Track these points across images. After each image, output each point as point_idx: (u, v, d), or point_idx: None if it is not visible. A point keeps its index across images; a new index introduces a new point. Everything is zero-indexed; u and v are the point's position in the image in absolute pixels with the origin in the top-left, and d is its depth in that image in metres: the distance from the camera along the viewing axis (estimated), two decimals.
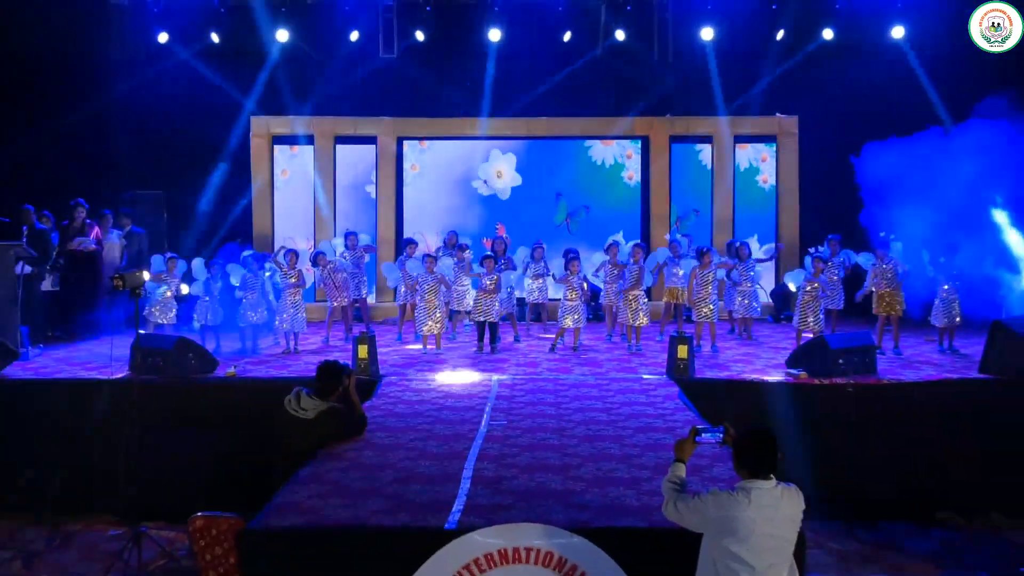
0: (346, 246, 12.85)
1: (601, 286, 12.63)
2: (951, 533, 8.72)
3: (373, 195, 15.47)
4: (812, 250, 12.25)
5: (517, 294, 12.98)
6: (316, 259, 12.28)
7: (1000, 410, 9.02)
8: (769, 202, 15.42)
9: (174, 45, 14.74)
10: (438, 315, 11.55)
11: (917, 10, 14.24)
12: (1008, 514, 8.72)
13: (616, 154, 15.55)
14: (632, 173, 15.50)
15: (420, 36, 14.86)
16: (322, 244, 13.24)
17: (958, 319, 11.20)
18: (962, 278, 11.23)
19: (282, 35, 14.64)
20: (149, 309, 11.37)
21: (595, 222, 15.34)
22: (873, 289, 11.39)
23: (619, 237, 13.04)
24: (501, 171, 15.47)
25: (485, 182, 15.50)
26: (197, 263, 11.84)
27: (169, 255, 11.89)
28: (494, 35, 14.64)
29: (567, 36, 14.88)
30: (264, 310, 11.70)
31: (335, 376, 7.04)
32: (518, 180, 15.48)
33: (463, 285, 12.38)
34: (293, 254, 11.72)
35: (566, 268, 11.70)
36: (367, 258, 13.16)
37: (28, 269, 11.41)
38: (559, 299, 11.86)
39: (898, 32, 14.40)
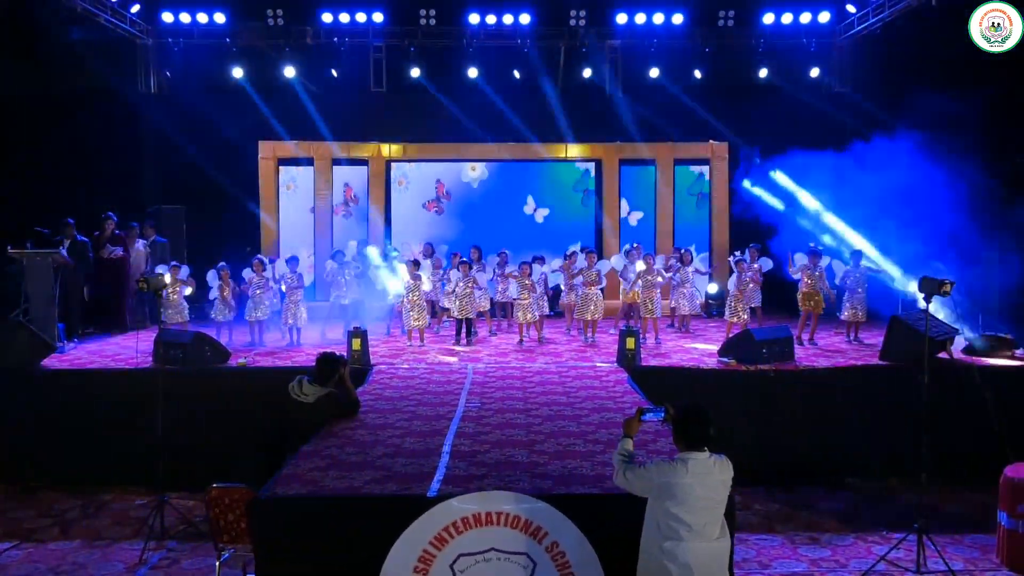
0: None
1: (562, 287, 12.62)
2: (856, 495, 8.84)
3: (364, 210, 15.38)
4: (734, 254, 12.29)
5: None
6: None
7: (896, 391, 9.14)
8: (703, 217, 15.52)
9: (193, 79, 14.59)
10: (422, 313, 11.50)
11: (828, 50, 14.47)
12: (902, 479, 8.84)
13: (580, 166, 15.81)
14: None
15: (415, 73, 15.07)
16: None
17: (862, 315, 11.34)
18: (866, 280, 11.37)
19: (289, 71, 14.61)
20: (164, 312, 11.16)
21: (567, 224, 15.40)
22: (799, 287, 11.44)
23: (576, 248, 13.01)
24: (475, 166, 15.58)
25: (462, 180, 15.61)
26: (211, 274, 11.66)
27: (172, 263, 11.65)
28: (471, 72, 14.72)
29: (517, 74, 15.09)
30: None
31: (332, 365, 6.97)
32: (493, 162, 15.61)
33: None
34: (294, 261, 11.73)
35: (518, 272, 11.71)
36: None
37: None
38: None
39: (814, 72, 15.00)
